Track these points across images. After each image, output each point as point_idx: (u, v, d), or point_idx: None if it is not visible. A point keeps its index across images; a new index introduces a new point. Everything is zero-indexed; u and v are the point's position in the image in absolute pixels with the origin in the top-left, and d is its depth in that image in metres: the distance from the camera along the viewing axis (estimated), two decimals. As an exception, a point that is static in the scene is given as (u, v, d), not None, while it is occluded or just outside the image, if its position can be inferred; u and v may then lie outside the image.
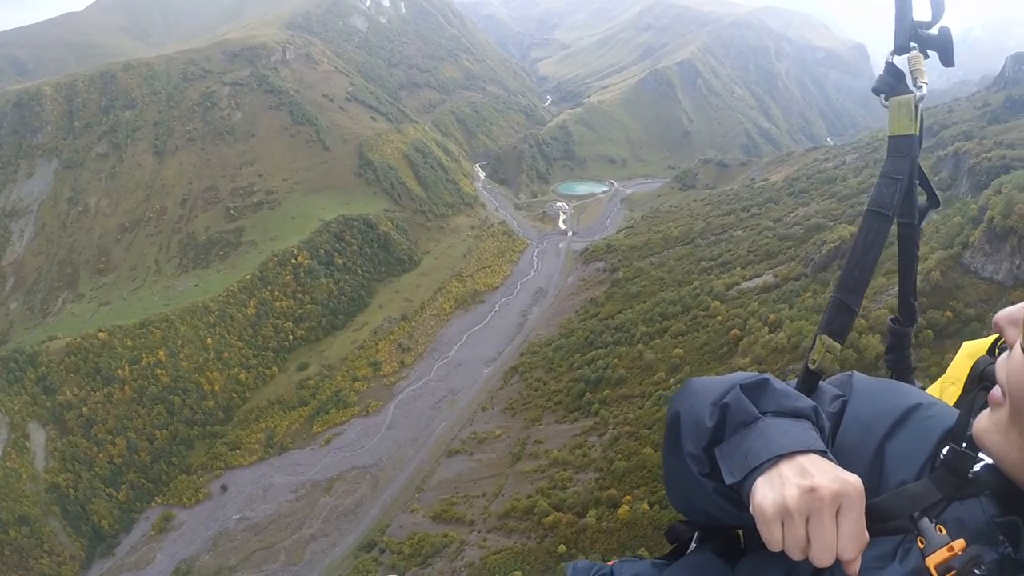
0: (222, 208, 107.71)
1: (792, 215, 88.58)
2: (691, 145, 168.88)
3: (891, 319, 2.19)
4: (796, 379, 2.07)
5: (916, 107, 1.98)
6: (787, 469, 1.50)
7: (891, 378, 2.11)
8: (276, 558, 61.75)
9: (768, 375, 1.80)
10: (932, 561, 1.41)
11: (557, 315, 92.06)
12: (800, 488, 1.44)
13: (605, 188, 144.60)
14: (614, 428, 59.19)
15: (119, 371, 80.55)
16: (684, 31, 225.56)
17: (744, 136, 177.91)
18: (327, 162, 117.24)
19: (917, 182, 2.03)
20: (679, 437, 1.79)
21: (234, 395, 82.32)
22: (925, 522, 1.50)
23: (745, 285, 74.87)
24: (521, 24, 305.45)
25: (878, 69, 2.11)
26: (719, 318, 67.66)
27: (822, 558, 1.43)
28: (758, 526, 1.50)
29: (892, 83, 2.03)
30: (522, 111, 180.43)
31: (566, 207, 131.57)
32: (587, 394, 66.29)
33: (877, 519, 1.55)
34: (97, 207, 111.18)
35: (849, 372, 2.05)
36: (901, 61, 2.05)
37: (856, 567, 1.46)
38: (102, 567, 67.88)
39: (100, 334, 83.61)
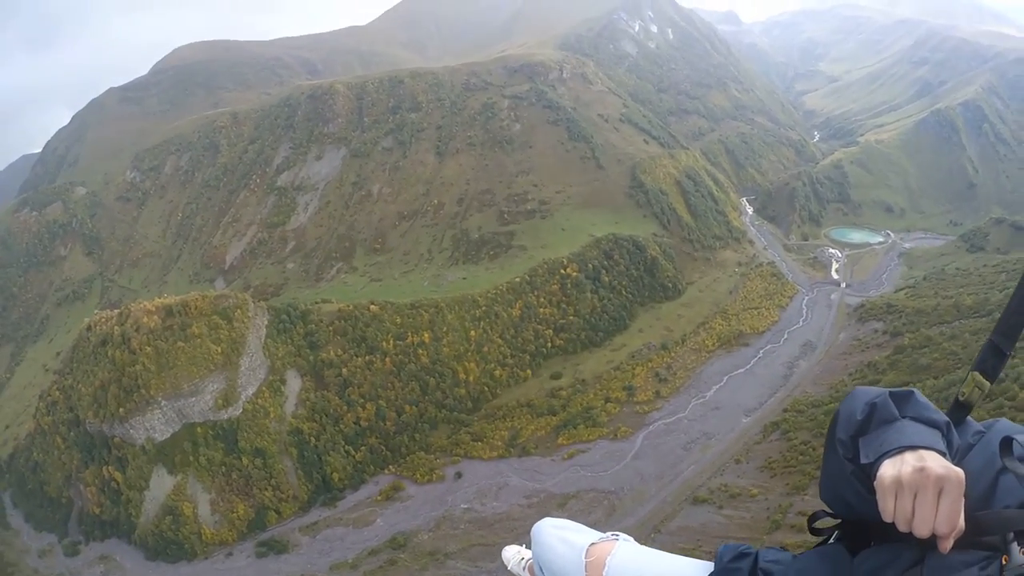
0: (496, 211, 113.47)
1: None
2: (976, 199, 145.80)
3: None
4: (949, 408, 2.38)
5: None
6: (909, 456, 1.89)
7: None
8: (494, 558, 60.19)
9: (915, 389, 2.19)
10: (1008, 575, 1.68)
11: (827, 374, 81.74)
12: (914, 467, 1.83)
13: (881, 239, 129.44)
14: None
15: (383, 343, 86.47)
16: (963, 67, 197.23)
17: None
18: (599, 179, 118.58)
19: None
20: (835, 428, 2.23)
21: (486, 388, 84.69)
22: (1015, 545, 1.78)
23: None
24: (783, 54, 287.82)
25: None
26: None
27: (922, 529, 1.80)
28: (877, 497, 1.89)
29: None
30: (791, 146, 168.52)
31: (839, 255, 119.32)
32: (865, 472, 56.17)
33: (976, 531, 1.87)
34: (379, 193, 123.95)
35: (999, 419, 2.35)
36: None
37: (948, 544, 1.83)
38: (321, 514, 72.49)
39: (372, 306, 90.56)
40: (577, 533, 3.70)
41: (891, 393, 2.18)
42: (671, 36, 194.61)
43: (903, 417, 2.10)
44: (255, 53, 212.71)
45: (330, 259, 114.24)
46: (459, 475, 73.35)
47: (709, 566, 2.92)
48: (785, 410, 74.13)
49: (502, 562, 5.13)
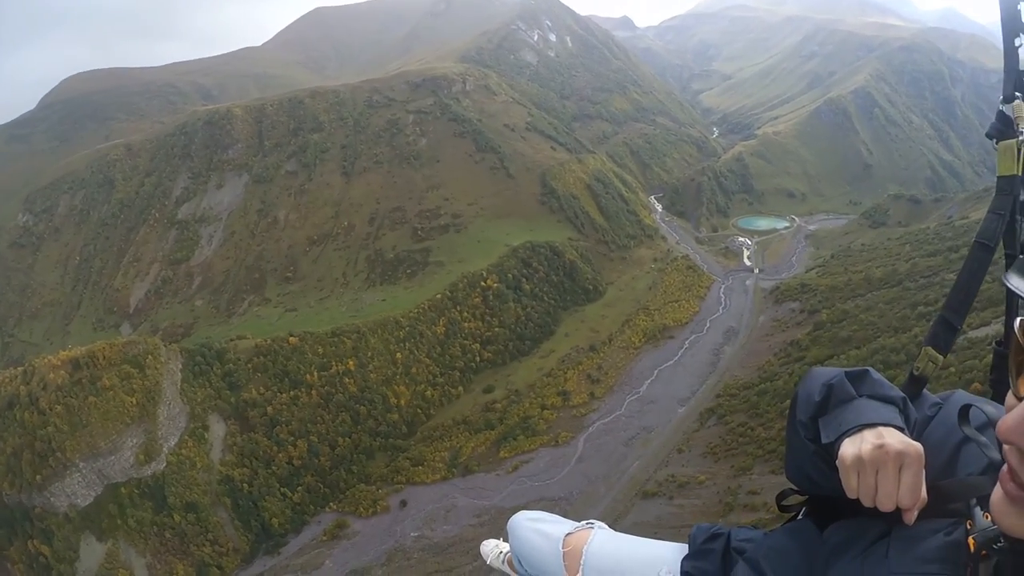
0: (409, 228, 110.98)
1: (1009, 257, 75.57)
2: (872, 179, 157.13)
3: (995, 342, 2.40)
4: (903, 383, 2.45)
5: (1018, 150, 2.28)
6: (868, 433, 1.93)
7: (991, 396, 2.37)
8: (455, 583, 58.50)
9: (870, 368, 2.23)
10: (972, 540, 1.76)
11: (752, 356, 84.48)
12: (873, 444, 1.87)
13: (787, 224, 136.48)
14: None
15: (307, 376, 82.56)
16: (851, 58, 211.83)
17: (928, 169, 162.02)
18: (511, 189, 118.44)
19: (1020, 216, 2.33)
20: (795, 410, 2.26)
21: (419, 411, 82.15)
22: (978, 510, 1.82)
23: (973, 335, 64.33)
24: (678, 56, 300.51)
25: None
26: (952, 370, 57.60)
27: (885, 503, 1.86)
28: (840, 475, 1.93)
29: (1001, 129, 2.34)
30: (693, 143, 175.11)
31: (749, 242, 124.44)
32: (806, 444, 58.45)
33: (941, 499, 1.94)
34: (286, 220, 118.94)
35: (955, 390, 2.40)
36: (1009, 108, 2.34)
37: (912, 516, 1.90)
38: (265, 564, 68.15)
39: (291, 339, 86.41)
40: (553, 524, 3.68)
41: (846, 373, 2.21)
42: (570, 44, 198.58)
43: (860, 396, 2.13)
44: (146, 80, 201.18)
45: (240, 292, 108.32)
46: (404, 503, 70.42)
47: (684, 548, 2.93)
48: (718, 395, 75.93)
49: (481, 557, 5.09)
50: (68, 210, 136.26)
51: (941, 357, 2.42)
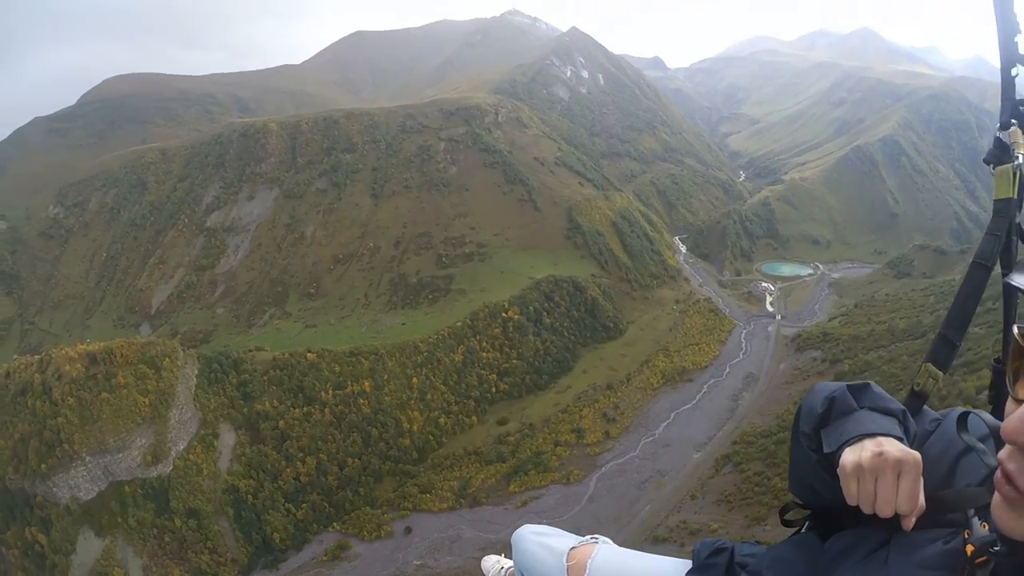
0: (433, 254, 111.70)
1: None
2: (898, 228, 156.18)
3: (994, 360, 2.40)
4: (905, 398, 2.53)
5: (1014, 175, 2.37)
6: (868, 442, 2.01)
7: (991, 413, 2.40)
8: (453, 615, 57.39)
9: (871, 382, 2.31)
10: (970, 547, 1.81)
11: (771, 404, 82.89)
12: (872, 452, 1.95)
13: (810, 271, 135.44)
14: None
15: (322, 393, 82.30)
16: (879, 105, 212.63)
17: (954, 220, 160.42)
18: (537, 222, 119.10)
19: (1016, 238, 2.41)
20: (798, 422, 2.35)
21: (431, 437, 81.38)
22: (975, 520, 1.88)
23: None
24: (707, 99, 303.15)
25: None
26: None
27: (885, 509, 1.93)
28: (841, 483, 2.01)
29: (998, 155, 2.45)
30: (720, 185, 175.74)
31: (772, 288, 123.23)
32: (824, 498, 56.85)
33: (939, 509, 2.00)
34: (313, 236, 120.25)
35: (955, 407, 2.43)
36: (1005, 135, 2.44)
37: (911, 523, 1.96)
38: None
39: (309, 355, 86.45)
40: (557, 538, 3.68)
41: (848, 386, 2.30)
42: (602, 81, 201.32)
43: (861, 408, 2.21)
44: (185, 88, 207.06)
45: (262, 304, 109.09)
46: (409, 530, 69.29)
47: (688, 564, 2.93)
48: (735, 442, 74.23)
49: (481, 573, 5.07)
50: (99, 207, 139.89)
51: (941, 373, 2.47)
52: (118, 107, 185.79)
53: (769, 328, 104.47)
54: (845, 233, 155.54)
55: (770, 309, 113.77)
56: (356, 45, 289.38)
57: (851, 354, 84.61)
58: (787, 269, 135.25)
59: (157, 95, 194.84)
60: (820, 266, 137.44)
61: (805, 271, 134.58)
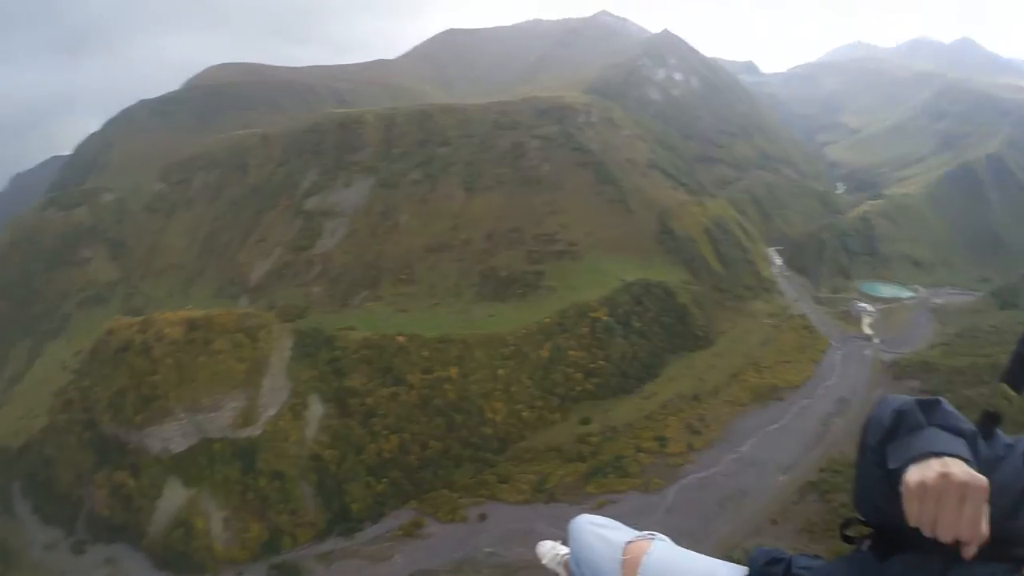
0: (524, 250, 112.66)
1: None
2: (1004, 254, 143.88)
3: (1019, 341, 2.39)
4: (977, 420, 2.43)
5: None
6: (934, 462, 1.94)
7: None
8: (516, 605, 57.86)
9: (942, 398, 2.26)
10: None
11: (863, 432, 79.39)
12: (938, 473, 1.88)
13: (911, 294, 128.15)
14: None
15: (410, 375, 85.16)
16: (983, 119, 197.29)
17: None
18: (629, 224, 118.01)
19: None
20: (865, 435, 2.31)
21: (513, 430, 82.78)
22: None
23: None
24: (804, 106, 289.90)
25: None
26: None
27: (945, 534, 1.86)
28: (903, 501, 1.94)
29: None
30: (817, 197, 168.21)
31: (870, 309, 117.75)
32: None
33: (1004, 542, 1.93)
34: (407, 225, 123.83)
35: None
36: None
37: (971, 551, 1.88)
38: (337, 544, 70.45)
39: (399, 337, 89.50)
40: (614, 530, 3.74)
41: (918, 401, 2.24)
42: (695, 84, 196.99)
43: (930, 425, 2.14)
44: (286, 79, 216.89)
45: (356, 286, 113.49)
46: (483, 517, 70.96)
47: (744, 570, 2.93)
48: (821, 469, 71.70)
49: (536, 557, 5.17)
50: (202, 185, 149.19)
51: (1016, 394, 2.42)
52: (221, 93, 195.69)
53: (866, 351, 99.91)
54: (948, 256, 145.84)
55: (867, 331, 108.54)
56: (449, 42, 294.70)
57: (951, 388, 79.25)
58: (887, 290, 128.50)
59: (260, 84, 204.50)
60: (921, 289, 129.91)
61: (906, 293, 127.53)
